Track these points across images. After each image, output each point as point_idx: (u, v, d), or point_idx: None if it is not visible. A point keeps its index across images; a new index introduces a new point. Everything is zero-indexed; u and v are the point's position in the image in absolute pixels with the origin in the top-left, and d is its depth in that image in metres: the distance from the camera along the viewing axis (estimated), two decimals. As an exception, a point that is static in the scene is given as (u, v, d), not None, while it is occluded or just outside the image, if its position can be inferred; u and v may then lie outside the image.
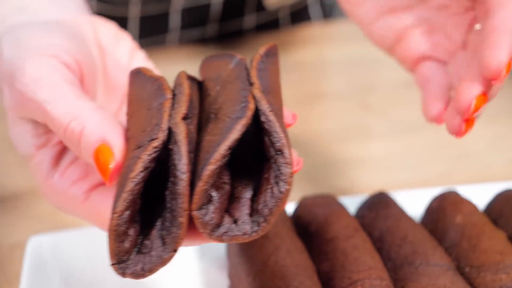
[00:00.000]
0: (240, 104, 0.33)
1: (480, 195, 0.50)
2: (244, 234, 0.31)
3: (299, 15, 0.84)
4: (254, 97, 0.33)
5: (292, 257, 0.42)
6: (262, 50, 0.37)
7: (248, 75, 0.35)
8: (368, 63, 0.77)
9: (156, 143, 0.31)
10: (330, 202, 0.47)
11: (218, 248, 0.48)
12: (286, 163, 0.31)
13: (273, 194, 0.31)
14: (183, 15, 0.80)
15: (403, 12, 0.45)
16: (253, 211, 0.32)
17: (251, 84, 0.34)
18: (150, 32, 0.80)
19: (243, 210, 0.32)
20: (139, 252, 0.32)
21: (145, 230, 0.32)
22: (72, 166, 0.38)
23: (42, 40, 0.39)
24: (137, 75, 0.38)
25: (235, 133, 0.31)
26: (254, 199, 0.32)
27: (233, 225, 0.32)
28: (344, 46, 0.80)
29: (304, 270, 0.42)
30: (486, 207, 0.48)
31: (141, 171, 0.31)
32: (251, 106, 0.32)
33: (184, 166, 0.31)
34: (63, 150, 0.39)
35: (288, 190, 0.31)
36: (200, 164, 0.31)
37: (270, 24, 0.84)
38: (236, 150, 0.32)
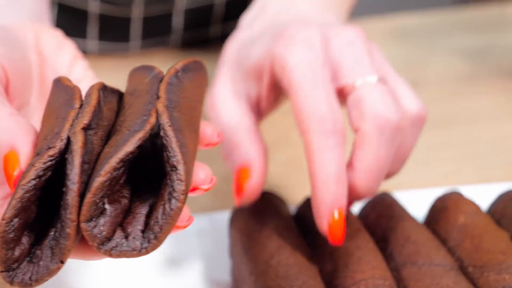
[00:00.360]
0: (142, 117, 0.33)
1: (483, 196, 0.50)
2: (133, 250, 0.31)
3: None
4: (156, 111, 0.33)
5: (295, 256, 0.42)
6: (178, 64, 0.37)
7: (158, 89, 0.35)
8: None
9: (52, 152, 0.31)
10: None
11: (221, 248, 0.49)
12: (178, 180, 0.31)
13: (165, 211, 0.31)
14: (186, 16, 0.80)
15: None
16: (146, 227, 0.32)
17: (158, 97, 0.34)
18: (153, 33, 0.80)
19: (136, 225, 0.32)
20: (30, 261, 0.31)
21: (40, 239, 0.32)
22: None
23: None
24: (57, 83, 0.37)
25: (129, 146, 0.31)
26: (149, 215, 0.32)
27: (124, 240, 0.31)
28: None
29: (307, 270, 0.41)
30: (489, 208, 0.48)
31: (33, 179, 0.31)
32: (152, 120, 0.32)
33: (76, 177, 0.30)
34: None
35: (179, 208, 0.31)
36: (94, 175, 0.31)
37: None
38: (140, 165, 0.32)
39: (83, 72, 0.44)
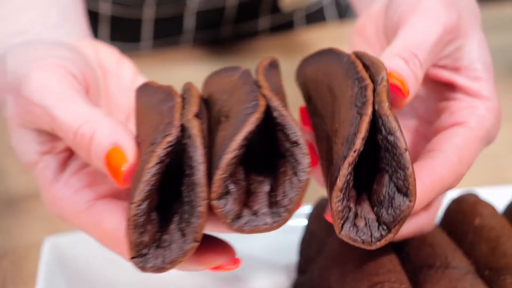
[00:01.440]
0: (250, 103, 0.33)
1: (499, 197, 0.49)
2: (265, 224, 0.31)
3: (314, 16, 0.84)
4: (264, 96, 0.33)
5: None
6: (265, 61, 0.38)
7: (255, 80, 0.35)
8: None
9: (170, 138, 0.32)
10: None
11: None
12: (303, 153, 0.31)
13: (293, 184, 0.31)
14: (197, 17, 0.80)
15: None
16: (272, 204, 0.32)
17: (259, 87, 0.34)
18: (164, 34, 0.81)
19: (262, 202, 0.32)
20: (158, 247, 0.32)
21: (163, 226, 0.32)
22: (77, 174, 0.38)
23: (48, 51, 0.39)
24: (144, 88, 0.38)
25: (249, 125, 0.31)
26: (271, 194, 0.32)
27: (254, 217, 0.32)
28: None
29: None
30: (505, 209, 0.48)
31: (157, 163, 0.31)
32: (262, 103, 0.32)
33: (200, 157, 0.31)
34: (68, 158, 0.39)
35: (307, 180, 0.31)
36: (216, 156, 0.31)
37: (285, 25, 0.84)
38: (248, 149, 0.32)
39: None
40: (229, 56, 0.79)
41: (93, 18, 0.78)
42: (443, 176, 0.36)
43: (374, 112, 0.32)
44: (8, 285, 0.49)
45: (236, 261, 0.34)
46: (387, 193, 0.32)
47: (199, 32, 0.81)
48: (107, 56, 0.44)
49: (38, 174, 0.38)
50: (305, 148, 0.31)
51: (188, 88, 0.35)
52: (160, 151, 0.31)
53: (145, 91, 0.38)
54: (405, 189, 0.31)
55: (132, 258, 0.31)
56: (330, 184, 0.33)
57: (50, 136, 0.38)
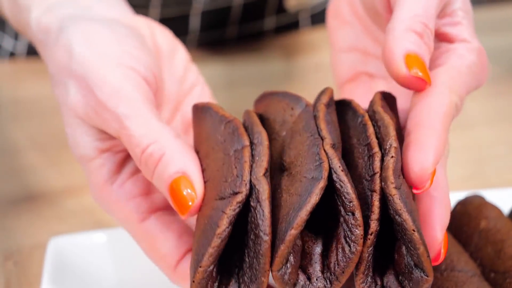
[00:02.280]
0: (313, 162, 0.33)
1: (505, 199, 0.49)
2: None
3: (319, 17, 0.84)
4: (326, 154, 0.32)
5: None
6: (324, 98, 0.36)
7: (317, 126, 0.35)
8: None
9: (240, 198, 0.32)
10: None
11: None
12: (356, 225, 0.31)
13: (345, 254, 0.32)
14: (203, 18, 0.80)
15: (373, 60, 0.44)
16: (325, 268, 0.32)
17: (321, 138, 0.34)
18: None
19: (315, 266, 0.33)
20: None
21: (221, 278, 0.33)
22: (133, 178, 0.38)
23: (117, 47, 0.39)
24: (207, 111, 0.38)
25: (314, 197, 0.31)
26: (324, 254, 0.33)
27: (308, 282, 0.32)
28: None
29: None
30: (511, 212, 0.47)
31: (227, 227, 0.32)
32: (325, 165, 0.32)
33: (267, 228, 0.31)
34: (125, 159, 0.39)
35: (358, 251, 0.31)
36: (281, 224, 0.32)
37: (290, 26, 0.84)
38: None
39: (196, 77, 0.44)
40: (234, 57, 0.79)
41: None
42: (438, 107, 0.35)
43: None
44: (13, 287, 0.49)
45: None
46: (406, 264, 0.32)
47: (204, 32, 0.81)
48: (163, 38, 0.43)
49: (92, 170, 0.38)
50: (359, 220, 0.31)
51: (256, 130, 0.35)
52: (230, 212, 0.32)
53: (207, 114, 0.38)
54: (421, 265, 0.31)
55: None
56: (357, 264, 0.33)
57: (110, 134, 0.38)
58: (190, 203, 0.34)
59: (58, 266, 0.46)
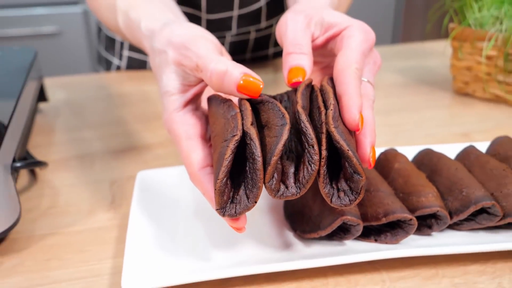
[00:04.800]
0: (279, 116, 0.32)
1: (409, 152, 0.51)
2: (293, 195, 0.32)
3: None
4: (298, 112, 0.31)
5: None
6: (304, 83, 0.34)
7: (296, 96, 0.34)
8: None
9: (237, 137, 0.31)
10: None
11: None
12: (315, 153, 0.31)
13: (308, 171, 0.31)
14: (231, 46, 0.79)
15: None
16: (296, 181, 0.32)
17: (296, 101, 0.33)
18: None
19: (290, 180, 0.32)
20: (232, 202, 0.32)
21: (235, 190, 0.32)
22: (190, 114, 0.37)
23: (199, 31, 0.37)
24: (214, 98, 0.37)
25: (285, 135, 0.31)
26: (295, 173, 0.32)
27: (286, 189, 0.32)
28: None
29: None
30: (413, 159, 0.49)
31: (231, 154, 0.31)
32: (286, 115, 0.32)
33: (259, 153, 0.31)
34: (189, 102, 0.37)
35: (316, 169, 0.31)
36: (267, 154, 0.31)
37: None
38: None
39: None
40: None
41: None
42: (348, 75, 0.33)
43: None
44: (116, 200, 0.49)
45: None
46: (350, 173, 0.31)
47: (231, 55, 0.80)
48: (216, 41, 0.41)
49: (170, 101, 0.37)
50: (317, 150, 0.31)
51: (243, 103, 0.34)
52: (232, 145, 0.31)
53: (214, 101, 0.37)
54: (357, 171, 0.31)
55: (217, 209, 0.32)
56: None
57: (189, 82, 0.36)
58: (261, 86, 0.33)
59: (142, 190, 0.46)
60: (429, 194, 0.40)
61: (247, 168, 0.31)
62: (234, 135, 0.31)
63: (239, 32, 0.77)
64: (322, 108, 0.32)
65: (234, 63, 0.33)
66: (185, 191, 0.47)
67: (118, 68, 0.84)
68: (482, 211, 0.40)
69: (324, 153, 0.31)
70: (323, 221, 0.39)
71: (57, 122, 0.67)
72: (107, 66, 0.86)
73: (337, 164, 0.32)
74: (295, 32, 0.36)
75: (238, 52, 0.82)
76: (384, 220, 0.38)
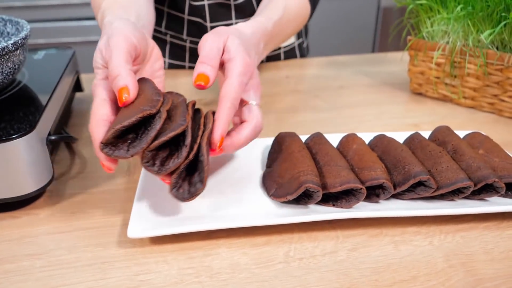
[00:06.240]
0: (182, 119, 0.33)
1: (367, 137, 0.50)
2: (155, 172, 0.32)
3: (290, 53, 0.81)
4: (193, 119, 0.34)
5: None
6: (192, 106, 0.36)
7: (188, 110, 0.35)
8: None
9: (154, 111, 0.32)
10: (292, 135, 0.47)
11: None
12: (185, 151, 0.32)
13: (174, 162, 0.32)
14: None
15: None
16: (161, 164, 0.32)
17: (188, 113, 0.34)
18: None
19: (157, 163, 0.32)
20: (114, 146, 0.32)
21: (122, 141, 0.32)
22: (107, 85, 0.36)
23: (128, 28, 0.38)
24: (147, 81, 0.37)
25: (178, 129, 0.32)
26: (164, 160, 0.32)
27: (152, 166, 0.32)
28: (315, 71, 0.80)
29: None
30: (369, 142, 0.48)
31: (139, 118, 0.31)
32: (188, 118, 0.33)
33: (158, 127, 0.32)
34: (106, 78, 0.37)
35: (180, 162, 0.31)
36: (159, 135, 0.32)
37: (274, 57, 0.80)
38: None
39: (160, 64, 0.43)
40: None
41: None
42: (222, 110, 0.34)
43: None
44: (130, 168, 0.48)
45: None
46: (196, 180, 0.32)
47: None
48: (149, 40, 0.41)
49: (97, 71, 0.37)
50: (188, 149, 0.32)
51: (168, 97, 0.35)
52: (146, 111, 0.32)
53: (146, 82, 0.37)
54: (202, 181, 0.32)
55: (101, 143, 0.32)
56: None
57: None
58: (124, 98, 0.34)
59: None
60: (378, 169, 0.40)
61: (140, 132, 0.32)
62: (152, 108, 0.32)
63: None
64: (202, 127, 0.34)
65: (128, 73, 0.34)
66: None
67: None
68: (420, 184, 0.40)
69: (191, 156, 0.32)
70: (291, 187, 0.39)
71: (90, 108, 0.65)
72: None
73: (193, 169, 0.33)
74: (210, 49, 0.37)
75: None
76: (340, 189, 0.38)
